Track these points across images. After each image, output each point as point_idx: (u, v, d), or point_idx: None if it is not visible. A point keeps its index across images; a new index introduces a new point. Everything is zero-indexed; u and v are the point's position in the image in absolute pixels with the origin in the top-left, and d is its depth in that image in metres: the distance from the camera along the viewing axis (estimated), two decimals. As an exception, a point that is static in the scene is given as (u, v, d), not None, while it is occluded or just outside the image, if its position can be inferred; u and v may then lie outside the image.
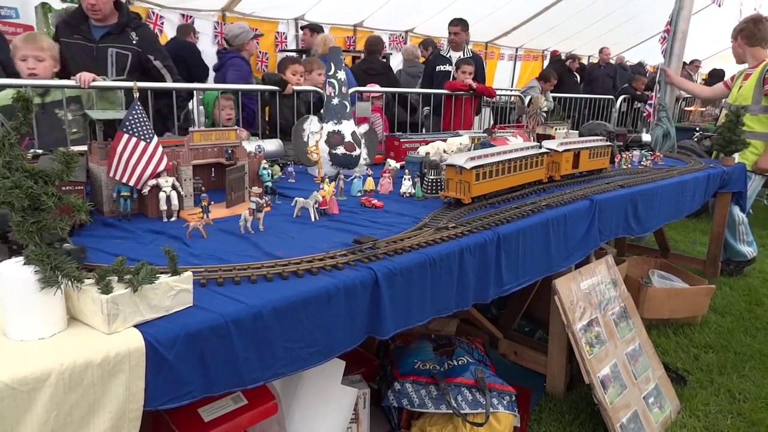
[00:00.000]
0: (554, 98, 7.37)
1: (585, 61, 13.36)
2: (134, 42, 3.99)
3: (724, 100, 8.73)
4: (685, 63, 10.58)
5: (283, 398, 2.09)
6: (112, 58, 3.92)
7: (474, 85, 5.77)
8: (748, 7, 9.81)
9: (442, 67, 6.40)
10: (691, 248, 5.90)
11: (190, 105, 5.16)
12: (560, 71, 9.58)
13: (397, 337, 2.82)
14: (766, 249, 5.84)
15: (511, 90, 9.82)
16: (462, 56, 6.34)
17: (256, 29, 6.42)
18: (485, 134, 4.04)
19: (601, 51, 11.31)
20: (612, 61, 12.36)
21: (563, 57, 11.72)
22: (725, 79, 5.88)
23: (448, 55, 6.42)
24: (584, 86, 10.65)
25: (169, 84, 4.14)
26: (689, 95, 9.80)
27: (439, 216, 2.45)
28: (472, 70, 5.88)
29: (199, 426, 1.71)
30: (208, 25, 8.28)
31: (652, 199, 3.54)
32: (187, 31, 7.38)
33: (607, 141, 3.68)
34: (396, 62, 10.24)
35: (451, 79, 6.12)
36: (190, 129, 2.55)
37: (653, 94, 5.69)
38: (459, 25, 6.41)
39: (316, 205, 2.37)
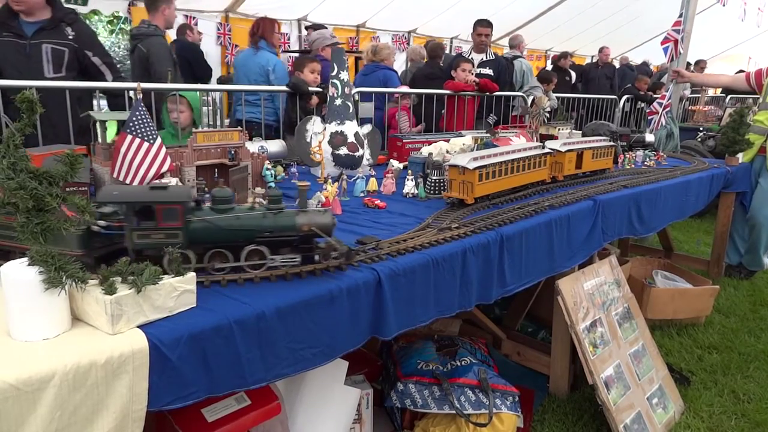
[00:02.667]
0: (557, 98, 7.36)
1: (586, 61, 13.33)
2: (70, 37, 3.74)
3: (728, 99, 8.68)
4: (689, 63, 10.56)
5: (286, 399, 2.09)
6: (47, 55, 3.67)
7: (477, 81, 5.75)
8: (752, 7, 9.79)
9: None
10: (695, 248, 5.88)
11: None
12: (552, 70, 9.56)
13: (400, 338, 2.82)
14: None
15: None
16: (484, 58, 6.30)
17: (335, 36, 6.30)
18: (488, 134, 4.03)
19: (600, 51, 11.26)
20: (615, 63, 12.34)
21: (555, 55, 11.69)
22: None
23: (470, 57, 6.36)
24: (581, 86, 10.61)
25: (171, 84, 4.14)
26: (696, 93, 9.79)
27: (442, 216, 2.45)
28: (471, 67, 5.85)
29: (203, 426, 1.71)
30: (211, 25, 8.30)
31: (656, 200, 3.54)
32: (183, 30, 7.34)
33: (610, 141, 3.67)
34: (399, 63, 10.25)
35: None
36: (193, 130, 2.55)
37: (666, 94, 5.65)
38: (488, 26, 6.31)
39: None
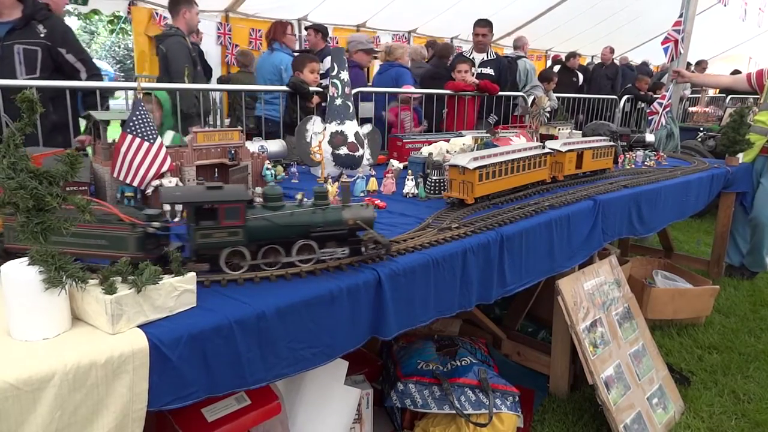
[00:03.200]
0: (558, 98, 7.35)
1: (587, 61, 13.32)
2: (42, 35, 3.58)
3: (728, 99, 8.67)
4: (689, 63, 10.54)
5: (287, 398, 2.09)
6: (19, 57, 3.52)
7: (477, 81, 5.74)
8: (752, 7, 9.79)
9: None
10: (695, 249, 5.88)
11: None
12: (559, 71, 9.54)
13: (400, 338, 2.82)
14: None
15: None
16: (485, 58, 6.29)
17: (371, 42, 6.41)
18: (488, 134, 4.03)
19: (603, 50, 11.24)
20: (616, 62, 12.31)
21: (563, 58, 11.66)
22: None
23: (471, 57, 6.35)
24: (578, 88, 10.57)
25: (172, 84, 4.15)
26: (696, 93, 9.78)
27: (442, 216, 2.45)
28: (468, 67, 5.84)
29: (203, 426, 1.72)
30: (211, 25, 8.30)
31: (656, 200, 3.54)
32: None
33: (610, 141, 3.67)
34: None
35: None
36: (193, 129, 2.55)
37: (666, 94, 5.65)
38: (486, 26, 6.33)
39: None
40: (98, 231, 1.52)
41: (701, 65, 11.97)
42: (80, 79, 3.79)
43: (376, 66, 7.33)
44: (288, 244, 1.73)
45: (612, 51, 11.03)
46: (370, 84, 6.29)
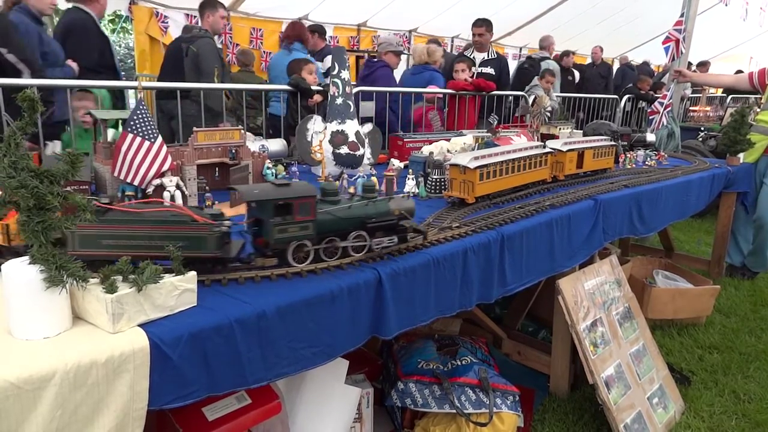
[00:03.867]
0: (557, 98, 7.35)
1: (588, 61, 13.30)
2: None
3: (728, 99, 8.66)
4: (690, 63, 10.51)
5: (287, 398, 2.09)
6: None
7: (470, 80, 5.72)
8: (753, 7, 9.77)
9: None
10: (695, 248, 5.88)
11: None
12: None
13: (400, 337, 2.82)
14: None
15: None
16: (486, 57, 6.29)
17: (401, 45, 6.46)
18: (489, 134, 4.03)
19: (594, 49, 11.16)
20: (616, 62, 12.29)
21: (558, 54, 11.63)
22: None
23: (471, 56, 6.34)
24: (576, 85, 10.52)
25: (173, 84, 4.15)
26: (697, 93, 9.77)
27: (443, 216, 2.45)
28: (465, 67, 5.83)
29: (203, 425, 1.72)
30: (212, 24, 8.28)
31: (657, 199, 3.54)
32: (189, 30, 7.33)
33: (611, 141, 3.67)
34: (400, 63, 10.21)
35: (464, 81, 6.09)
36: (195, 129, 2.55)
37: (666, 93, 5.64)
38: (483, 25, 6.32)
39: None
40: (178, 233, 1.54)
41: (705, 66, 11.91)
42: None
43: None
44: (344, 235, 1.84)
45: (601, 50, 10.96)
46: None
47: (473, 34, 6.42)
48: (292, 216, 1.70)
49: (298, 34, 5.94)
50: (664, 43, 5.66)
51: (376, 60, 5.96)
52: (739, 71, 8.67)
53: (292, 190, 1.71)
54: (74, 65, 4.35)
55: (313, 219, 1.74)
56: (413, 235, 1.98)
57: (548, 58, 8.52)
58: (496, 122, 5.90)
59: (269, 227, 1.68)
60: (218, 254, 1.59)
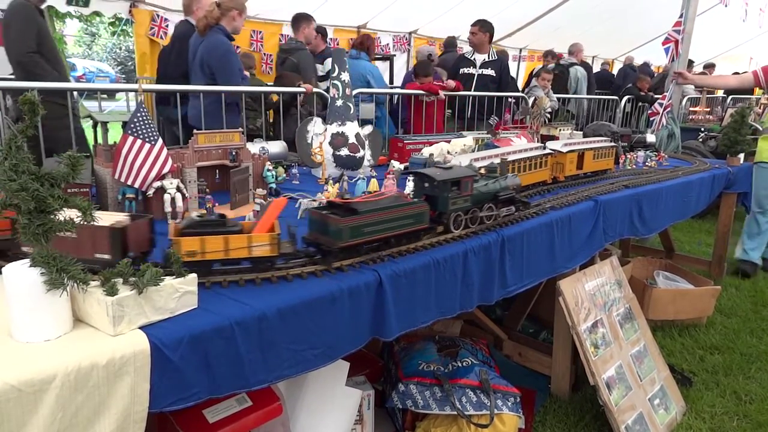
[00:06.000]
0: (558, 99, 7.36)
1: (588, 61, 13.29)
2: None
3: (729, 99, 8.63)
4: (691, 61, 10.45)
5: (288, 400, 2.09)
6: None
7: (453, 84, 5.68)
8: (753, 7, 9.78)
9: (465, 70, 6.30)
10: (696, 249, 5.87)
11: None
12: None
13: (401, 339, 2.82)
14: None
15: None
16: (486, 58, 6.30)
17: (432, 53, 6.91)
18: (489, 135, 4.03)
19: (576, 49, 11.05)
20: (613, 63, 12.26)
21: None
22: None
23: (472, 57, 6.34)
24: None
25: (172, 87, 4.15)
26: (698, 94, 9.75)
27: (443, 217, 2.45)
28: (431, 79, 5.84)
29: (204, 427, 1.72)
30: (212, 27, 8.29)
31: (657, 200, 3.53)
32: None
33: (611, 142, 3.67)
34: (400, 64, 10.23)
35: (474, 81, 6.09)
36: (195, 132, 2.56)
37: (666, 94, 5.64)
38: (477, 25, 6.34)
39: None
40: (409, 212, 1.97)
41: (711, 68, 11.80)
42: None
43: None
44: (480, 207, 2.28)
45: (580, 48, 10.86)
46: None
47: (469, 33, 6.46)
48: (459, 191, 2.14)
49: (367, 45, 6.38)
50: (664, 43, 5.66)
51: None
52: (736, 73, 8.68)
53: (460, 171, 2.17)
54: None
55: (471, 194, 2.21)
56: (520, 205, 2.49)
57: (576, 64, 8.58)
58: (495, 123, 5.90)
59: (445, 200, 2.10)
60: (345, 244, 1.79)
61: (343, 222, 1.75)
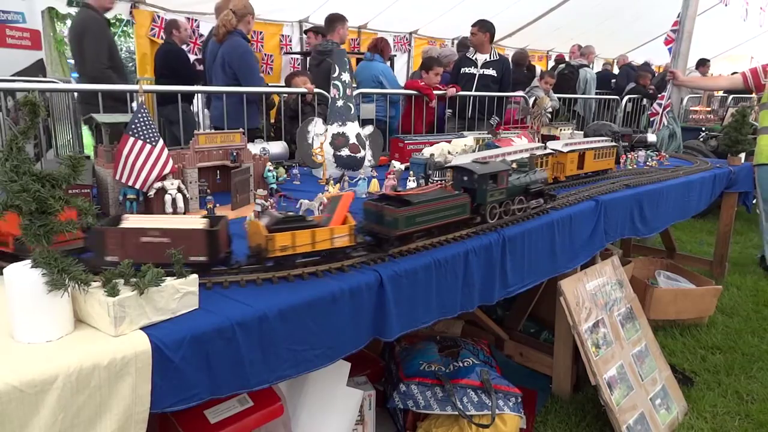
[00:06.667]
0: (558, 99, 7.35)
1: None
2: None
3: (729, 99, 8.63)
4: (705, 60, 10.39)
5: (289, 400, 2.09)
6: None
7: (439, 89, 5.65)
8: (753, 7, 9.77)
9: (467, 70, 6.27)
10: (697, 249, 5.87)
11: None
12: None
13: (402, 339, 2.82)
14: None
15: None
16: (488, 59, 6.29)
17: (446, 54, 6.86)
18: (489, 135, 4.03)
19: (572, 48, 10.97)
20: (614, 62, 12.23)
21: (564, 57, 11.53)
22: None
23: (473, 57, 6.32)
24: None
25: (173, 87, 4.15)
26: (699, 94, 9.74)
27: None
28: (441, 72, 5.81)
29: (206, 428, 1.72)
30: (211, 27, 8.29)
31: (658, 200, 3.53)
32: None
33: (612, 141, 3.67)
34: (400, 64, 10.24)
35: (475, 81, 6.08)
36: (195, 132, 2.56)
37: (664, 94, 5.64)
38: (476, 25, 6.33)
39: (321, 207, 2.38)
40: (452, 203, 2.13)
41: (704, 66, 11.80)
42: None
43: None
44: (513, 199, 2.46)
45: (579, 48, 10.78)
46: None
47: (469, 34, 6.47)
48: (496, 184, 2.29)
49: (381, 48, 6.50)
50: (666, 43, 5.67)
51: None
52: (735, 73, 8.68)
53: (497, 165, 2.34)
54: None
55: (506, 187, 2.37)
56: (549, 197, 2.69)
57: (586, 66, 8.59)
58: (496, 123, 5.88)
59: (483, 193, 2.25)
60: (402, 232, 1.94)
61: (399, 212, 1.91)
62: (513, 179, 2.42)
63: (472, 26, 6.34)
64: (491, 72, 6.23)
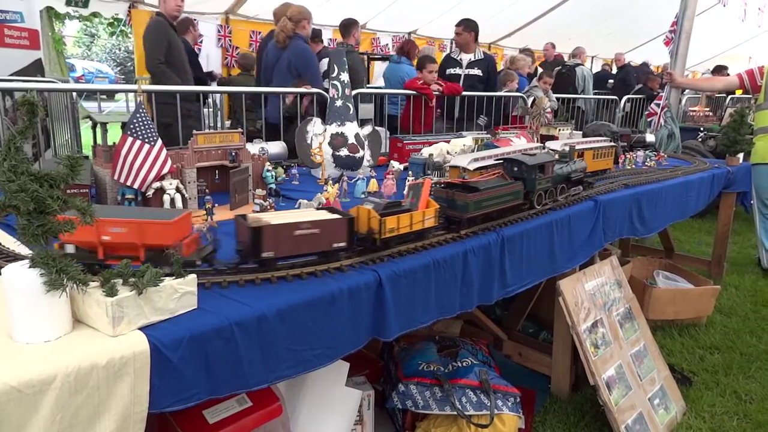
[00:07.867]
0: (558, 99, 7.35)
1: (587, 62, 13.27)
2: None
3: (728, 99, 8.64)
4: (724, 67, 10.40)
5: (288, 400, 2.09)
6: None
7: (441, 85, 5.63)
8: (752, 7, 9.79)
9: (452, 71, 6.23)
10: (696, 249, 5.88)
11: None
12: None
13: (401, 339, 2.82)
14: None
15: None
16: (473, 58, 6.27)
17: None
18: (488, 135, 4.03)
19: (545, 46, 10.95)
20: (613, 63, 12.23)
21: (564, 58, 11.52)
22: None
23: (458, 58, 6.29)
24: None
25: (175, 87, 4.15)
26: (697, 94, 9.75)
27: (443, 217, 2.45)
28: (436, 68, 5.79)
29: (204, 428, 1.72)
30: (211, 28, 8.29)
31: (657, 200, 3.53)
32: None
33: (611, 141, 3.67)
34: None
35: (461, 82, 6.05)
36: (194, 132, 2.55)
37: (662, 94, 5.65)
38: (461, 25, 6.31)
39: (320, 207, 2.38)
40: (510, 190, 2.39)
41: (721, 72, 11.50)
42: None
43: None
44: (556, 186, 2.70)
45: (554, 46, 10.77)
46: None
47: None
48: (544, 174, 2.54)
49: (407, 50, 6.81)
50: (666, 44, 5.68)
51: None
52: (727, 75, 8.70)
53: (543, 157, 2.57)
54: None
55: (552, 176, 2.60)
56: (586, 184, 3.00)
57: (581, 65, 8.83)
58: (485, 123, 5.87)
59: (533, 181, 2.49)
60: (471, 215, 2.18)
61: (470, 197, 2.17)
62: (557, 169, 2.65)
63: (456, 26, 6.30)
64: (477, 72, 6.17)
